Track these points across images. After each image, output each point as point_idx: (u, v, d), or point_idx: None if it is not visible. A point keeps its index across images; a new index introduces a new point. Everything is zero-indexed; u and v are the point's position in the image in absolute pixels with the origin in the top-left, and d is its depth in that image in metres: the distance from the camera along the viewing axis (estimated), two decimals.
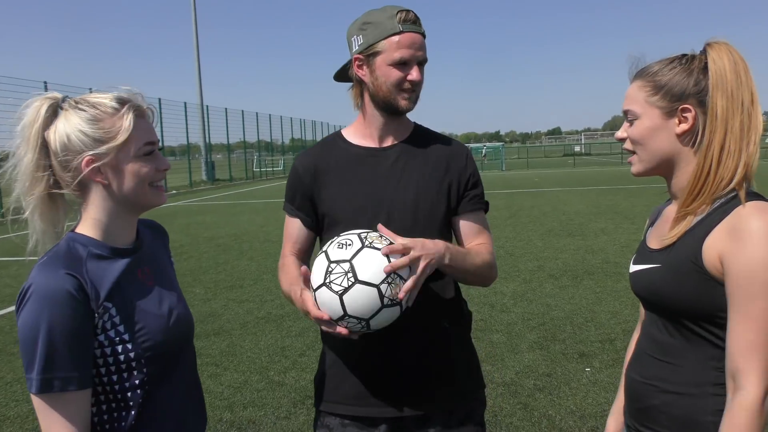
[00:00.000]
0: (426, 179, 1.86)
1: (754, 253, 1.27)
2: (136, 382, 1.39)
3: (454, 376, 1.88)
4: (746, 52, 1.41)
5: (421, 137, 1.94)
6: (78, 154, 1.35)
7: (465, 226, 1.90)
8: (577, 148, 74.72)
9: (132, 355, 1.37)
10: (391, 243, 1.57)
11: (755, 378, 1.25)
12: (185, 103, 32.18)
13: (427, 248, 1.60)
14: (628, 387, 1.59)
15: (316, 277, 1.57)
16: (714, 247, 1.34)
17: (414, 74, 1.78)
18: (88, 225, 1.42)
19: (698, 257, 1.36)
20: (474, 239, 1.90)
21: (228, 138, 37.62)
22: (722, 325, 1.35)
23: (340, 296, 1.51)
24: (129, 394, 1.38)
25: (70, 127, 1.35)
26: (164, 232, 1.71)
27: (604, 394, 4.14)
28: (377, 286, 1.50)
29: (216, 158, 40.31)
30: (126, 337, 1.37)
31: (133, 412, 1.39)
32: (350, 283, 1.50)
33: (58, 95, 1.40)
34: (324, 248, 1.62)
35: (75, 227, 1.44)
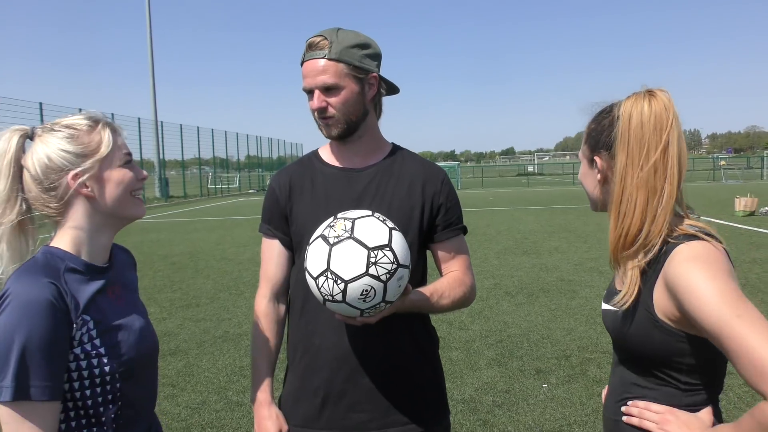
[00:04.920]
0: (399, 201, 1.83)
1: (707, 298, 1.22)
2: (109, 397, 1.39)
3: (419, 402, 1.85)
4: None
5: (398, 158, 1.91)
6: (61, 172, 1.38)
7: (442, 253, 1.92)
8: (530, 168, 76.31)
9: (107, 369, 1.37)
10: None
11: None
12: (139, 119, 31.59)
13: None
14: (607, 429, 1.58)
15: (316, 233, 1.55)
16: (662, 299, 1.34)
17: (313, 103, 1.75)
18: (66, 241, 1.43)
19: (650, 306, 1.36)
20: (450, 265, 1.93)
21: (183, 154, 37.04)
22: (681, 370, 1.37)
23: (331, 246, 1.48)
24: (101, 409, 1.38)
25: (49, 148, 1.39)
26: (133, 258, 1.73)
27: (561, 410, 4.23)
28: (369, 250, 1.46)
29: (170, 175, 39.58)
30: (102, 350, 1.37)
31: (105, 428, 1.39)
32: (347, 236, 1.47)
33: (27, 127, 1.44)
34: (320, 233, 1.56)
35: (49, 242, 1.44)
